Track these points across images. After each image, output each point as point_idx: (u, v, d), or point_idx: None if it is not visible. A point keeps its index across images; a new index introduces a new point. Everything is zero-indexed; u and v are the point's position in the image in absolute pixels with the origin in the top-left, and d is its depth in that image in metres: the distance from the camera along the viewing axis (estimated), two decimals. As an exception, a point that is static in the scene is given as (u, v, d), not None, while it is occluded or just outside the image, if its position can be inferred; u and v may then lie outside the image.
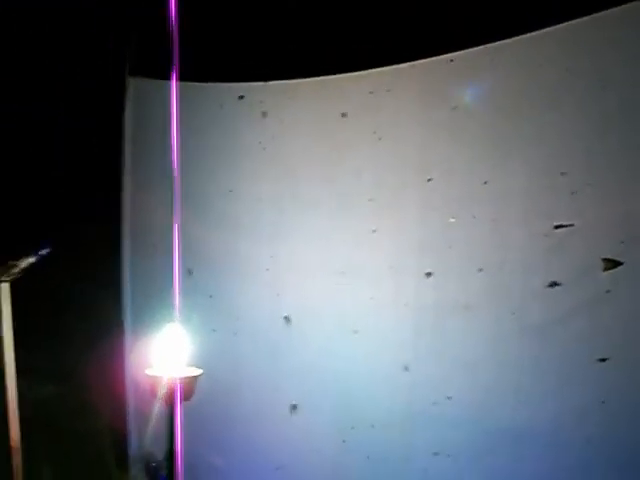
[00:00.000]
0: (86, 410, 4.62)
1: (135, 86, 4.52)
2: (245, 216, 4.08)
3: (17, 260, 3.05)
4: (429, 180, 3.51)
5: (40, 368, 4.47)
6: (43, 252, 3.14)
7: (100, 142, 4.34)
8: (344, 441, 3.87)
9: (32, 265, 3.09)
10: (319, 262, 3.87)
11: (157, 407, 2.63)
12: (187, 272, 4.23)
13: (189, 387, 2.59)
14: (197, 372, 2.64)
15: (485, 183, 3.37)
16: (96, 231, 4.22)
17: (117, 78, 4.42)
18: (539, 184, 3.26)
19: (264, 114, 3.95)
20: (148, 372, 2.59)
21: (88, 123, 4.18)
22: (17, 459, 3.12)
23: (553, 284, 3.25)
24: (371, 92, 3.67)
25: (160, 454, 3.61)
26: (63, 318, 4.36)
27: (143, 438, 4.50)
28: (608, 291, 3.13)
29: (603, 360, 3.18)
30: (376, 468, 3.79)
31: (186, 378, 2.56)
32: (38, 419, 4.31)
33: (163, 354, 2.62)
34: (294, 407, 4.01)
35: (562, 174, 3.18)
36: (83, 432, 4.55)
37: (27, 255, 3.09)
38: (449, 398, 3.54)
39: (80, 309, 4.31)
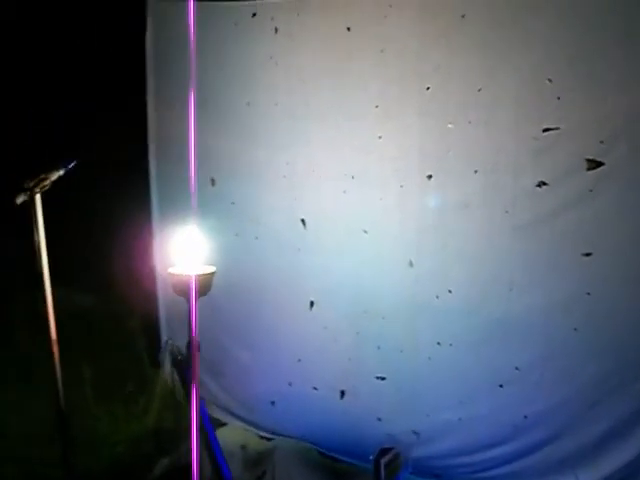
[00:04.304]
0: (121, 314, 5.00)
1: (155, 8, 4.71)
2: (261, 126, 4.29)
3: (47, 173, 3.34)
4: (428, 88, 3.69)
5: (78, 277, 4.83)
6: (70, 166, 3.42)
7: (124, 63, 4.56)
8: (358, 333, 4.18)
9: (61, 177, 3.38)
10: (331, 167, 4.09)
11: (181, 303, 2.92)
12: (210, 181, 4.52)
13: (205, 283, 2.88)
14: (211, 270, 2.93)
15: (479, 90, 3.56)
16: (124, 145, 4.47)
17: (138, 1, 4.62)
18: (527, 90, 3.45)
19: (276, 30, 4.12)
20: (170, 271, 2.90)
21: (112, 45, 4.39)
22: (55, 352, 3.44)
23: (541, 184, 3.47)
24: (374, 6, 3.83)
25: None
26: (95, 227, 4.69)
27: (172, 334, 4.86)
28: (591, 190, 3.35)
29: (587, 255, 3.42)
30: (386, 357, 4.10)
31: (202, 275, 2.85)
32: (77, 324, 4.70)
33: (183, 254, 2.91)
34: (312, 303, 4.31)
35: (548, 80, 3.37)
36: (119, 334, 4.93)
37: (56, 169, 3.38)
38: (450, 291, 3.82)
39: (111, 218, 4.62)
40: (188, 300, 2.76)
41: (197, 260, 2.89)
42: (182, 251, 2.90)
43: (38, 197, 3.29)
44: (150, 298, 5.10)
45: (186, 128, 2.74)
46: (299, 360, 4.43)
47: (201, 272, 2.85)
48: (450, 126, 3.66)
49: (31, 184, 3.26)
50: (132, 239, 4.55)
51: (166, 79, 4.67)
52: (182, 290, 2.81)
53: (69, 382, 3.62)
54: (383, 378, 4.11)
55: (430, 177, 3.76)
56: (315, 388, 4.37)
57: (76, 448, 3.61)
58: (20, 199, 3.23)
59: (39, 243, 3.34)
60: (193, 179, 2.85)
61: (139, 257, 4.56)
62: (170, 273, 2.88)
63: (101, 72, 4.76)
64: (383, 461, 3.02)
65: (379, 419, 4.14)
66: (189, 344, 2.92)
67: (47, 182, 3.32)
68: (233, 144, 4.41)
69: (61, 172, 3.39)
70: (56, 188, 3.33)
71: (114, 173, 4.81)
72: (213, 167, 4.48)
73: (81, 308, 5.08)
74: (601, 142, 3.28)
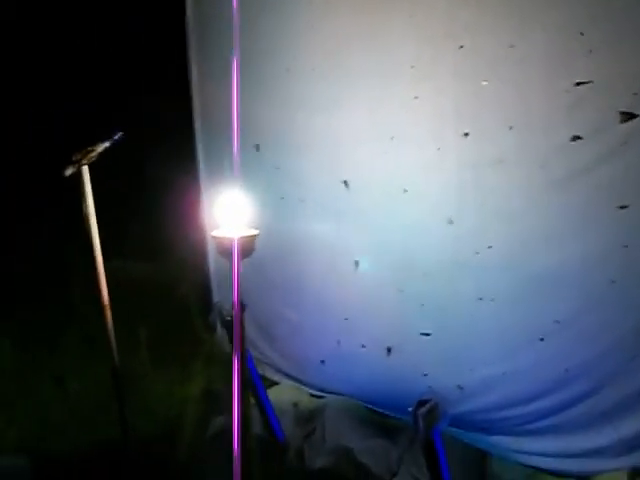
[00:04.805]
0: (174, 278, 5.15)
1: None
2: (300, 91, 4.37)
3: (94, 145, 3.49)
4: (461, 47, 3.69)
5: (131, 244, 5.00)
6: (116, 137, 3.56)
7: (167, 33, 4.67)
8: (402, 291, 4.25)
9: (107, 149, 3.52)
10: (369, 129, 4.13)
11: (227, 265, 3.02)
12: (255, 148, 4.63)
13: (247, 245, 2.97)
14: (254, 232, 3.02)
15: (511, 46, 3.56)
16: (170, 114, 4.59)
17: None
18: (559, 44, 3.43)
19: (312, -5, 4.18)
20: (214, 234, 3.01)
21: (155, 16, 4.51)
22: (108, 316, 3.62)
23: (575, 138, 3.45)
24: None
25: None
26: (145, 194, 4.83)
27: (223, 296, 4.99)
28: (625, 142, 3.33)
29: (623, 207, 3.41)
30: (430, 314, 4.16)
31: (244, 237, 2.94)
32: (131, 290, 4.87)
33: (228, 217, 3.00)
34: (357, 264, 4.39)
35: (580, 34, 3.35)
36: (172, 298, 5.10)
37: (102, 141, 3.52)
38: (489, 247, 3.84)
39: (160, 185, 4.75)
40: (231, 262, 2.86)
41: (242, 223, 2.98)
42: (227, 214, 2.99)
43: (86, 169, 3.45)
44: (202, 261, 5.26)
45: (229, 96, 2.83)
46: (346, 319, 4.51)
47: (243, 234, 2.94)
48: (484, 83, 3.67)
49: (78, 156, 3.42)
50: (181, 204, 4.68)
51: (207, 49, 4.79)
52: (225, 252, 2.91)
53: (125, 346, 3.79)
54: (428, 334, 4.17)
55: (467, 135, 3.77)
56: (363, 346, 4.46)
57: (133, 410, 3.79)
58: (69, 171, 3.40)
59: (88, 213, 3.51)
60: (236, 146, 2.94)
61: (189, 221, 4.67)
62: (213, 236, 2.98)
63: (146, 43, 4.88)
64: (420, 412, 3.09)
65: (425, 375, 4.19)
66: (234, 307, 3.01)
67: (94, 154, 3.48)
68: (275, 110, 4.49)
69: (107, 144, 3.54)
70: (105, 158, 3.48)
71: (161, 142, 4.94)
72: (257, 133, 4.57)
73: (134, 274, 5.25)
74: (634, 94, 3.25)
